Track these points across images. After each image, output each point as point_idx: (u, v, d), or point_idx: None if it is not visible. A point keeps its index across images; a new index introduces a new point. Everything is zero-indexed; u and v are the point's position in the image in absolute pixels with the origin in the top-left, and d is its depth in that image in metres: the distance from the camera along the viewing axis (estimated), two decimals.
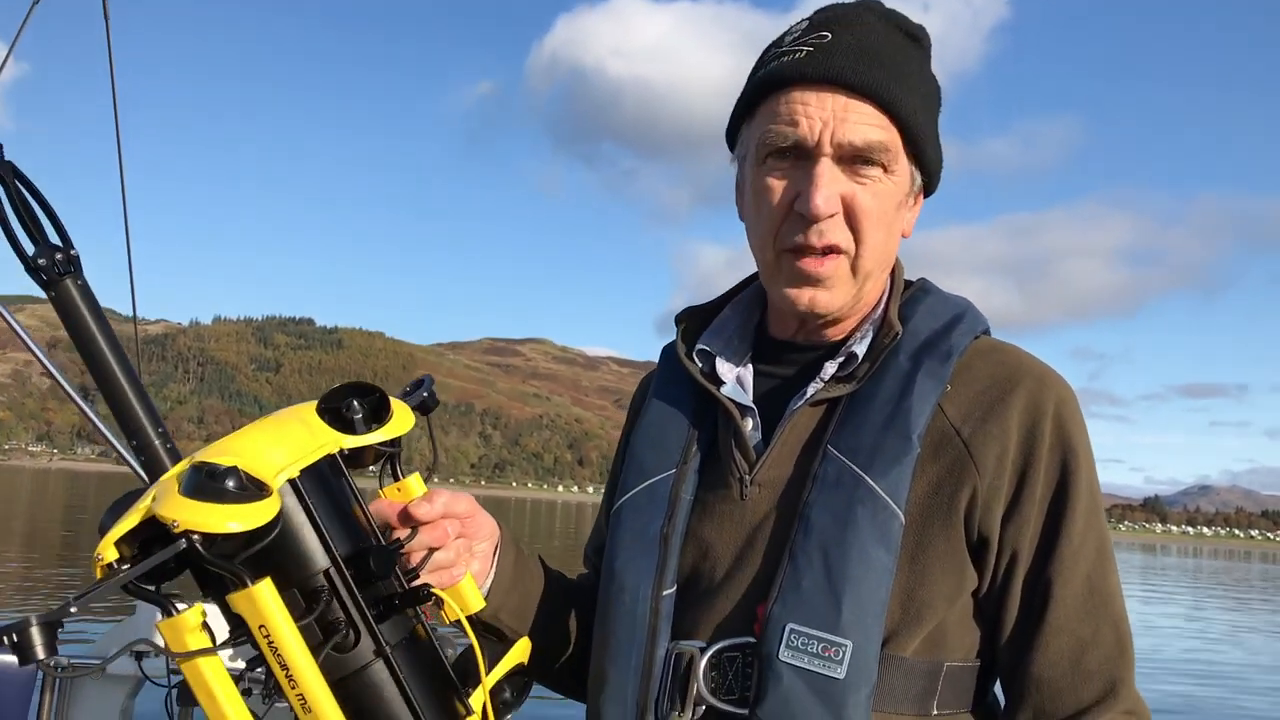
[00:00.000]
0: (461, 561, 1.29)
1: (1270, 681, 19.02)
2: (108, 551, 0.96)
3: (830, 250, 1.33)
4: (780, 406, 1.40)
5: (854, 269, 1.36)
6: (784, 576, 1.26)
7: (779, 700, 1.21)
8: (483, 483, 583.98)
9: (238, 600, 1.01)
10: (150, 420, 1.10)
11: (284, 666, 1.02)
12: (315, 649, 1.03)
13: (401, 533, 1.20)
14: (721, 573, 1.34)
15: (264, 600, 1.00)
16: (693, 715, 1.28)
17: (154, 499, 0.98)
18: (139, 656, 3.45)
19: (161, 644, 0.99)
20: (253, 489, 0.98)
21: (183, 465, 1.03)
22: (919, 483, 1.28)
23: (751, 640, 1.26)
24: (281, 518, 1.02)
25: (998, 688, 1.38)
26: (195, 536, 0.95)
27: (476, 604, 1.28)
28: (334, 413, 1.15)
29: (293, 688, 1.02)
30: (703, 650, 1.30)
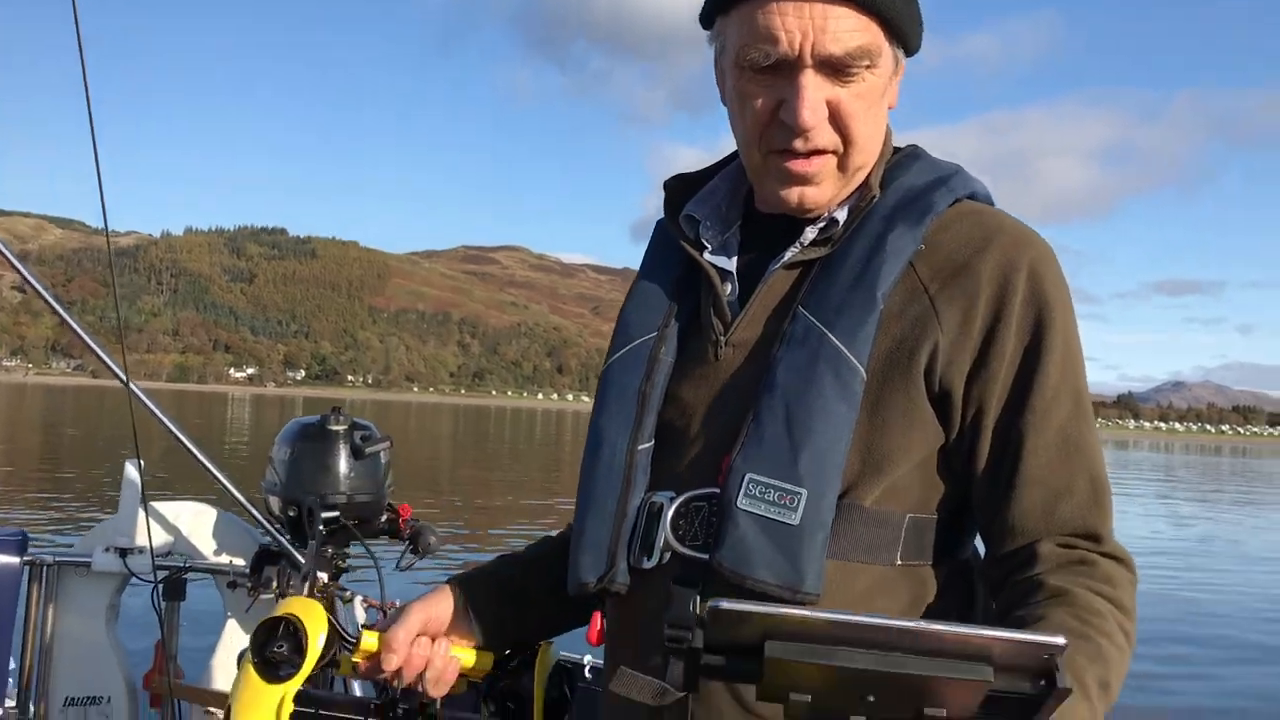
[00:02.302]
0: (448, 660, 1.48)
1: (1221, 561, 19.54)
2: None
3: (818, 152, 1.36)
4: (761, 271, 1.43)
5: (842, 165, 1.38)
6: (748, 430, 1.31)
7: (736, 544, 1.27)
8: (462, 391, 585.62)
9: None
10: None
11: None
12: None
13: (390, 673, 1.44)
14: (694, 429, 1.40)
15: None
16: (660, 560, 1.35)
17: None
18: (124, 553, 3.49)
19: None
20: None
21: None
22: (883, 339, 1.31)
23: (715, 490, 1.32)
24: None
25: (979, 542, 1.42)
26: None
27: (488, 662, 1.49)
28: (268, 664, 1.37)
29: None
30: (671, 500, 1.36)
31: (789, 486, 1.26)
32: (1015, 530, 1.31)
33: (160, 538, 3.56)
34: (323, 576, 3.18)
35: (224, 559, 3.59)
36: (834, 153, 1.37)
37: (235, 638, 3.56)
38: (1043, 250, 1.35)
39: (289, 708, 1.35)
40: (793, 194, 1.38)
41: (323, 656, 1.37)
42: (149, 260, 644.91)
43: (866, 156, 1.39)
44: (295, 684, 1.35)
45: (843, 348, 1.30)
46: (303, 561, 3.13)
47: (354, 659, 1.42)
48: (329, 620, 1.39)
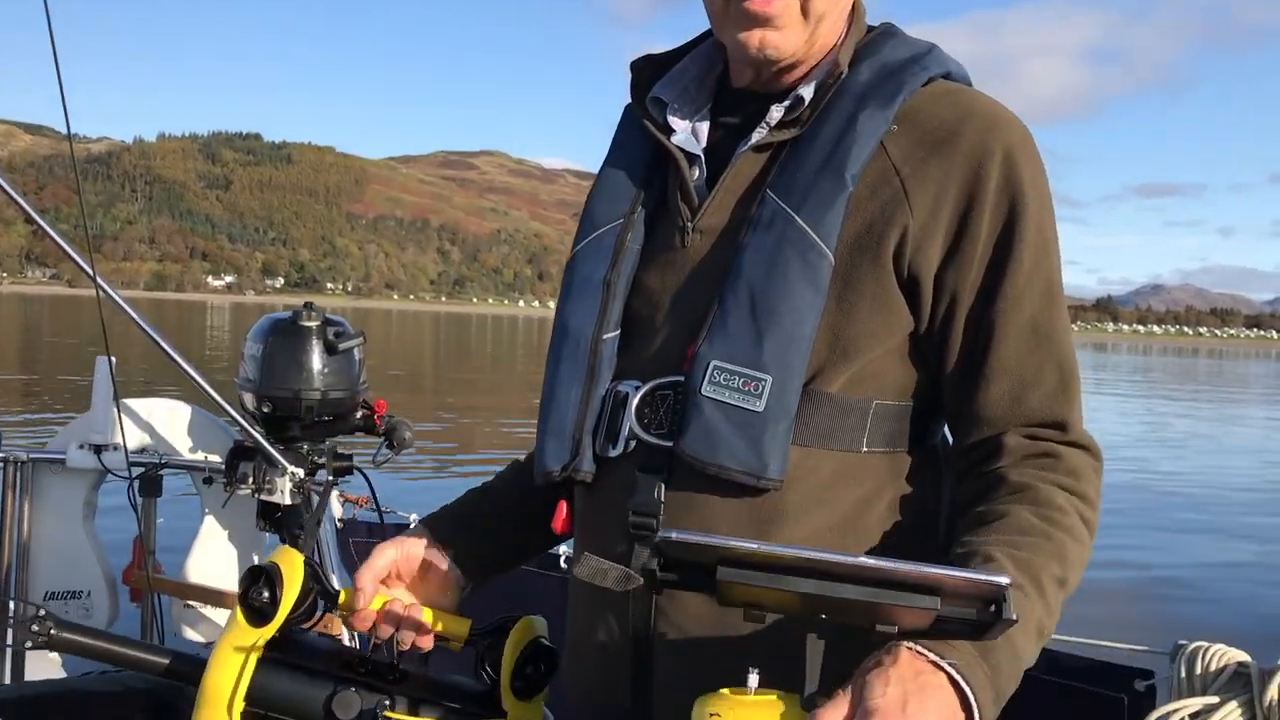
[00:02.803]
0: (410, 607, 1.44)
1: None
2: None
3: None
4: (730, 154, 1.40)
5: (805, 10, 1.34)
6: (713, 317, 1.30)
7: (699, 431, 1.27)
8: (443, 299, 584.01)
9: None
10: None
11: None
12: None
13: (373, 626, 1.44)
14: (661, 318, 1.39)
15: None
16: (625, 449, 1.35)
17: None
18: (98, 450, 3.49)
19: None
20: None
21: None
22: (852, 223, 1.29)
23: (680, 379, 1.32)
24: None
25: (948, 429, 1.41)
26: None
27: (463, 629, 1.47)
28: (251, 608, 1.37)
29: None
30: (637, 389, 1.36)
31: (753, 373, 1.26)
32: (982, 420, 1.30)
33: (134, 435, 3.56)
34: (299, 472, 3.20)
35: (199, 455, 3.59)
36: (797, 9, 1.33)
37: (212, 533, 3.58)
38: (1019, 134, 1.32)
39: (257, 653, 1.38)
40: (753, 37, 1.34)
41: (298, 605, 1.38)
42: (122, 167, 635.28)
43: (827, 5, 1.35)
44: (269, 630, 1.37)
45: (810, 231, 1.27)
46: (277, 457, 3.13)
47: (338, 612, 1.43)
48: (309, 573, 1.39)
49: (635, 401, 1.34)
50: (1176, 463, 20.35)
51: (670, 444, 1.30)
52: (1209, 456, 22.39)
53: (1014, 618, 1.00)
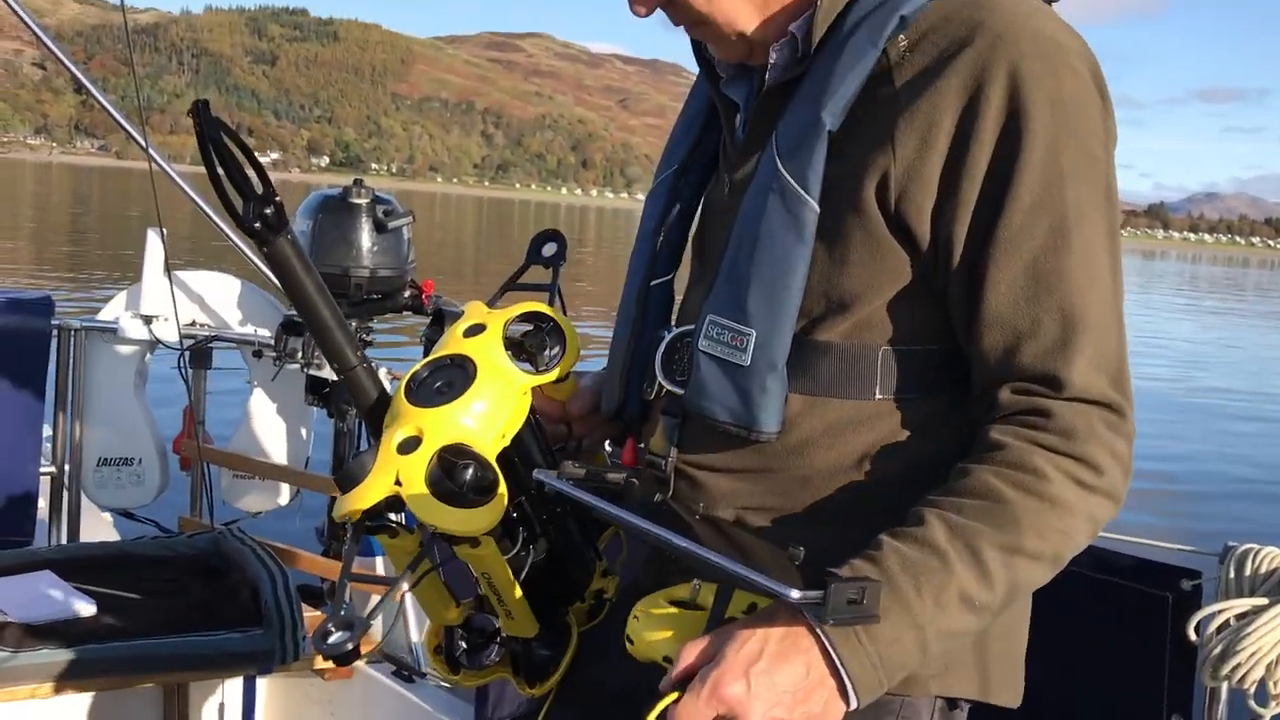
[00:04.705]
0: (599, 440, 1.50)
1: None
2: (355, 515, 1.19)
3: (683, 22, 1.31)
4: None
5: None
6: (719, 270, 1.29)
7: (697, 384, 1.28)
8: (486, 184, 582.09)
9: (464, 553, 1.25)
10: (352, 349, 1.25)
11: (498, 596, 1.31)
12: (512, 561, 1.30)
13: (556, 423, 1.46)
14: (702, 268, 1.41)
15: (488, 556, 1.25)
16: (655, 393, 1.38)
17: (396, 478, 1.17)
18: (149, 321, 3.54)
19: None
20: (486, 482, 1.19)
21: (404, 427, 1.21)
22: (834, 167, 1.21)
23: (691, 329, 1.32)
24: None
25: None
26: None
27: (532, 629, 1.42)
28: (521, 348, 1.33)
29: (502, 606, 1.32)
30: (665, 337, 1.38)
31: (739, 327, 1.24)
32: (979, 374, 1.21)
33: (185, 306, 3.59)
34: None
35: (249, 329, 3.63)
36: (699, 14, 1.27)
37: (261, 406, 3.63)
38: (1031, 46, 1.17)
39: (528, 400, 1.32)
40: (694, 34, 1.34)
41: (567, 366, 1.37)
42: (169, 39, 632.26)
43: None
44: (545, 379, 1.34)
45: (789, 178, 1.22)
46: None
47: (548, 391, 1.42)
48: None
49: (661, 349, 1.36)
50: (1226, 375, 20.18)
51: (682, 392, 1.32)
52: (1256, 364, 22.21)
53: (875, 614, 1.02)
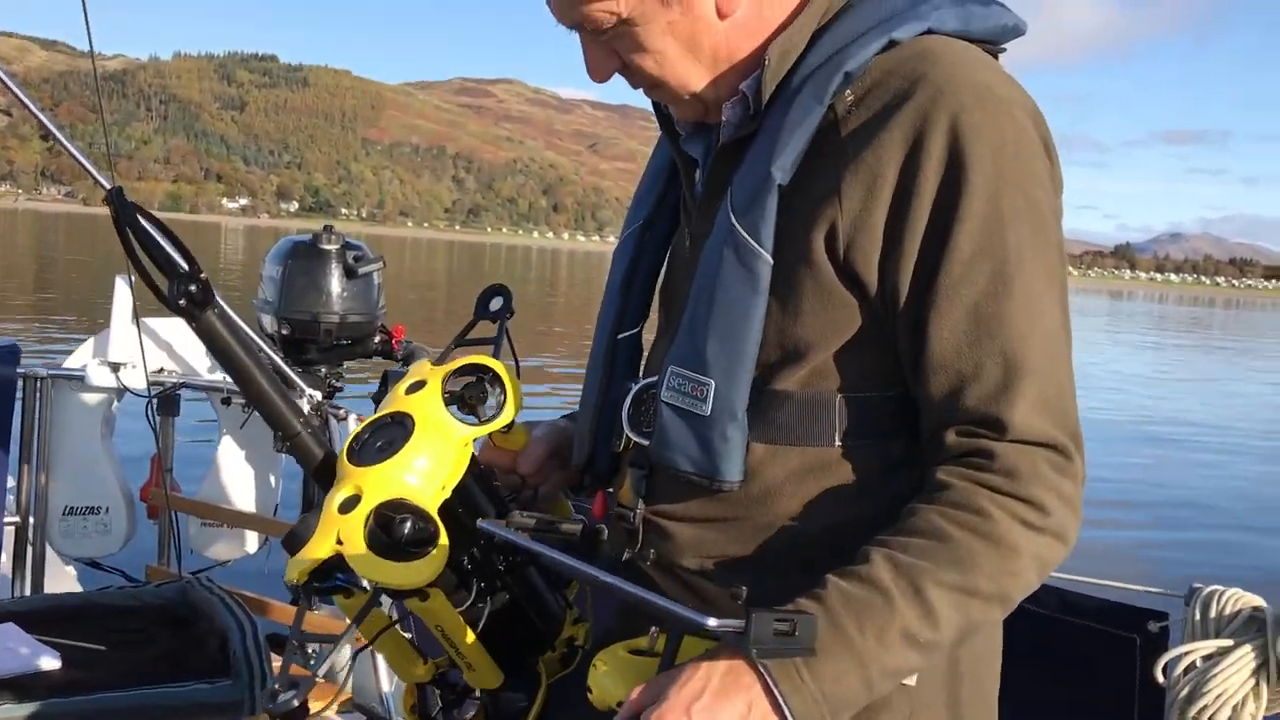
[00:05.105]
0: (556, 488, 1.51)
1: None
2: (303, 577, 1.22)
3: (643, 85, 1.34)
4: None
5: (689, 46, 1.29)
6: (680, 323, 1.31)
7: (661, 434, 1.30)
8: (457, 228, 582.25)
9: (414, 606, 1.25)
10: (295, 415, 1.29)
11: (455, 648, 1.32)
12: (467, 612, 1.31)
13: (508, 473, 1.48)
14: (665, 320, 1.44)
15: (439, 609, 1.27)
16: (624, 445, 1.40)
17: (338, 538, 1.20)
18: (116, 368, 3.51)
19: None
20: (426, 535, 1.20)
21: (344, 488, 1.23)
22: (786, 219, 1.23)
23: (656, 380, 1.35)
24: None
25: None
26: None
27: (495, 681, 1.43)
28: (462, 402, 1.34)
29: (461, 658, 1.33)
30: (631, 390, 1.39)
31: (699, 377, 1.26)
32: (926, 418, 1.22)
33: (153, 354, 3.58)
34: (316, 395, 3.21)
35: (218, 376, 3.61)
36: (655, 77, 1.31)
37: (230, 453, 3.61)
38: (972, 97, 1.18)
39: (468, 451, 1.32)
40: (653, 96, 1.36)
41: (507, 418, 1.38)
42: (137, 85, 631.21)
43: (690, 50, 1.28)
44: (483, 431, 1.35)
45: (742, 232, 1.24)
46: (295, 379, 3.15)
47: (498, 441, 1.46)
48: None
49: (628, 401, 1.38)
50: (1188, 404, 20.39)
51: (648, 443, 1.33)
52: (1221, 400, 22.47)
53: (811, 647, 1.04)
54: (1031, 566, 1.16)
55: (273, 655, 2.69)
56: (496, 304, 1.50)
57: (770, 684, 1.07)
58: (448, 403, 1.34)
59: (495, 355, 1.45)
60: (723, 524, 1.29)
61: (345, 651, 3.30)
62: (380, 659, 3.09)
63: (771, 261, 1.24)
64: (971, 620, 1.15)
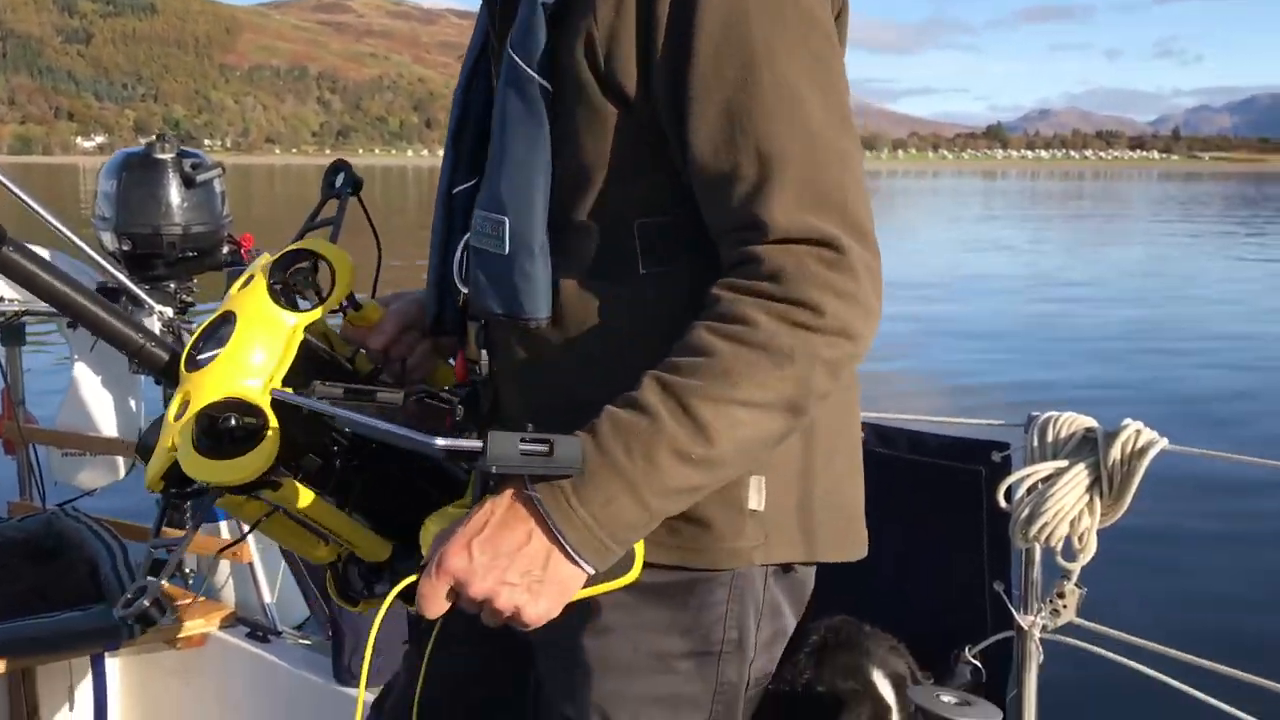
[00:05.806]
0: (427, 354, 1.48)
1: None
2: (156, 485, 1.25)
3: None
4: None
5: None
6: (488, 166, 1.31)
7: (473, 281, 1.31)
8: (327, 151, 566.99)
9: (271, 497, 1.25)
10: (136, 330, 1.30)
11: (328, 529, 1.32)
12: (338, 491, 1.32)
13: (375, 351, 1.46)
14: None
15: (295, 496, 1.26)
16: (464, 300, 1.38)
17: (173, 445, 1.21)
18: None
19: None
20: (254, 429, 1.20)
21: (179, 395, 1.25)
22: (559, 43, 1.22)
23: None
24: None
25: None
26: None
27: (384, 551, 1.42)
28: (287, 294, 1.33)
29: (338, 538, 1.33)
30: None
31: (496, 216, 1.26)
32: (710, 230, 1.21)
33: None
34: (167, 311, 3.12)
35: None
36: None
37: (84, 378, 3.49)
38: None
39: (298, 338, 1.31)
40: None
41: (337, 299, 1.37)
42: None
43: None
44: (311, 316, 1.34)
45: (519, 60, 1.23)
46: (143, 296, 3.04)
47: (351, 320, 1.44)
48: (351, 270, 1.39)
49: (458, 254, 1.36)
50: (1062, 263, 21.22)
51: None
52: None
53: (566, 469, 1.07)
54: (813, 369, 1.13)
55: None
56: (340, 181, 1.49)
57: (543, 513, 1.10)
58: (280, 292, 1.32)
59: (335, 235, 1.43)
60: (544, 368, 1.29)
61: (224, 567, 3.27)
62: (261, 572, 3.06)
63: (549, 87, 1.22)
64: (758, 432, 1.13)
